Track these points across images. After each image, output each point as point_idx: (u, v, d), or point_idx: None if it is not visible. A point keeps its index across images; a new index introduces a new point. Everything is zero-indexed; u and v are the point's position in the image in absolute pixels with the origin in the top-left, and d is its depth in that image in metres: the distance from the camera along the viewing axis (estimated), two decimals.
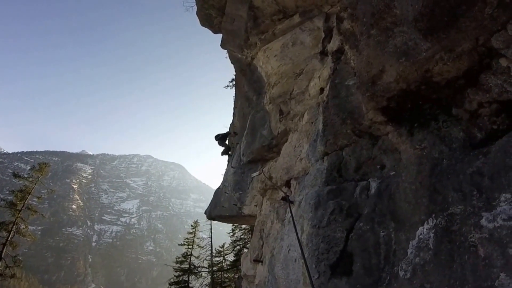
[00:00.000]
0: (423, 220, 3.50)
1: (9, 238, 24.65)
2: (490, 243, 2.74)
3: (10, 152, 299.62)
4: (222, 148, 14.84)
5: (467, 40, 3.16)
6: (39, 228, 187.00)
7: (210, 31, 13.81)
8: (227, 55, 13.99)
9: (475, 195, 3.06)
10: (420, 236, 3.46)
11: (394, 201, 4.10)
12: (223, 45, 12.73)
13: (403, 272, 3.50)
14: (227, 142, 14.85)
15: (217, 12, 12.06)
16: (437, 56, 3.39)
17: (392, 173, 4.44)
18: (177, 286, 28.61)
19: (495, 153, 3.06)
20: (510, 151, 2.91)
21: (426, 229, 3.41)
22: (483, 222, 2.87)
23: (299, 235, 5.14)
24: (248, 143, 10.56)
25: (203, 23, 13.49)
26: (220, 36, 13.05)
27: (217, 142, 14.81)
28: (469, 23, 3.07)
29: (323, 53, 7.98)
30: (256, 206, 9.85)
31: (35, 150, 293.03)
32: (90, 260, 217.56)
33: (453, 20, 3.15)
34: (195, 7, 13.30)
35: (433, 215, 3.39)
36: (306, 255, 4.77)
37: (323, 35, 8.09)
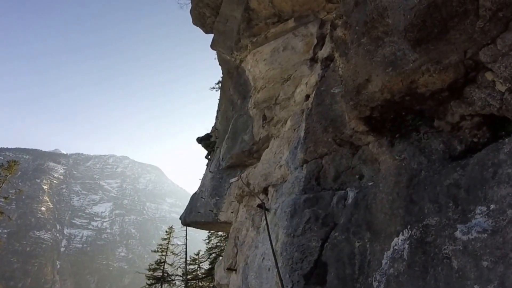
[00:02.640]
0: (398, 231, 3.50)
1: None
2: (464, 255, 2.75)
3: None
4: (205, 152, 14.68)
5: (455, 53, 3.19)
6: (5, 231, 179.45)
7: (201, 31, 13.74)
8: (216, 56, 13.93)
9: (451, 207, 3.08)
10: (395, 247, 3.45)
11: (370, 211, 4.10)
12: (213, 45, 12.64)
13: (377, 283, 3.48)
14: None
15: (211, 12, 12.01)
16: (424, 68, 3.40)
17: (370, 183, 4.44)
18: None
19: (473, 166, 3.08)
20: (488, 164, 2.93)
21: (401, 240, 3.41)
22: (458, 234, 2.88)
23: (273, 243, 5.09)
24: (228, 148, 10.46)
25: (196, 22, 13.42)
26: (210, 36, 12.97)
27: (200, 144, 14.64)
28: (459, 35, 3.10)
29: (313, 60, 7.98)
30: (232, 212, 9.71)
31: (5, 147, 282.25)
32: (58, 266, 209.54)
33: (443, 32, 3.18)
34: (190, 5, 13.24)
35: (409, 226, 3.39)
36: (280, 264, 4.72)
37: (315, 41, 8.09)
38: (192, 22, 13.59)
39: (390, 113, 4.12)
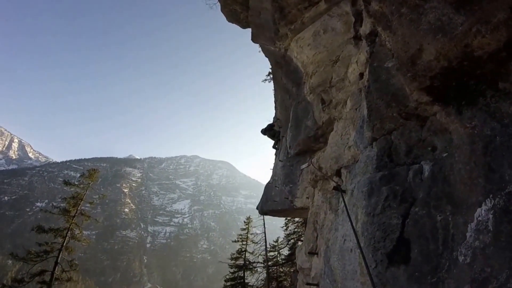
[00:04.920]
0: (480, 201, 3.39)
1: (64, 243, 25.34)
2: None
3: (59, 161, 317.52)
4: (271, 142, 14.87)
5: (501, 10, 3.05)
6: (94, 232, 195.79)
7: (239, 27, 13.79)
8: (260, 49, 13.91)
9: None
10: (479, 218, 3.35)
11: (449, 183, 3.99)
12: (254, 39, 12.68)
13: (462, 257, 3.41)
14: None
15: (241, 7, 11.98)
16: (474, 29, 3.28)
17: (444, 154, 4.31)
18: (233, 282, 29.23)
19: None
20: None
21: (485, 211, 3.30)
22: None
23: (353, 224, 5.11)
24: (293, 136, 10.56)
25: (230, 19, 13.48)
26: (249, 30, 12.99)
27: (266, 135, 14.86)
28: None
29: (357, 38, 7.78)
30: (308, 198, 9.81)
31: (83, 158, 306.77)
32: (145, 261, 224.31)
33: None
34: (219, 5, 13.32)
35: (491, 195, 3.28)
36: (362, 245, 4.73)
37: (353, 19, 7.87)
38: (226, 20, 13.66)
39: (451, 80, 3.97)
